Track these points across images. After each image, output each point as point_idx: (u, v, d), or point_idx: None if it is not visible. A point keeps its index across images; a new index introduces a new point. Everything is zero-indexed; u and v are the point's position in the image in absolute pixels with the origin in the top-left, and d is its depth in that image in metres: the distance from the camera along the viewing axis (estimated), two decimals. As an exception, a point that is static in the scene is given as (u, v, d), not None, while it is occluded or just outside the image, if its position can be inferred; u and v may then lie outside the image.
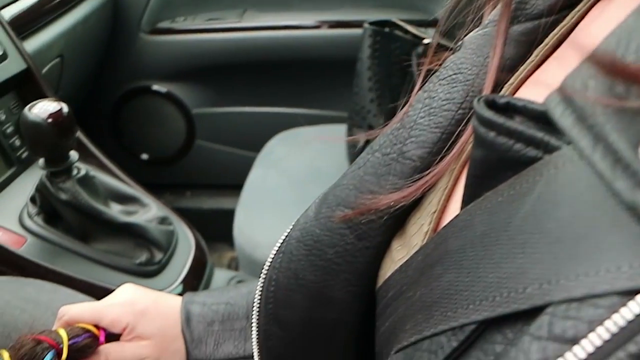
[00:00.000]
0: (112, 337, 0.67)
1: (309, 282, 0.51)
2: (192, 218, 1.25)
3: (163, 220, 1.05)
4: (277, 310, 0.54)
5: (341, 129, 1.59)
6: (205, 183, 1.91)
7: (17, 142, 1.06)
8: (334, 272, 0.50)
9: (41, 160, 0.94)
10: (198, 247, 1.10)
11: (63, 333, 0.62)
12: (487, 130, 0.32)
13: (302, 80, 1.76)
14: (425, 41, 1.42)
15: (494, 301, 0.28)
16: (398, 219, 0.47)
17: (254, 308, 0.56)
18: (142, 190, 1.13)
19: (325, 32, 1.73)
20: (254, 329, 0.57)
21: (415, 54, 1.43)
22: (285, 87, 1.77)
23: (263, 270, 0.56)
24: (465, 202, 0.37)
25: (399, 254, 0.46)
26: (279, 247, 0.55)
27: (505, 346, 0.27)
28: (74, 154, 0.96)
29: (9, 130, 1.04)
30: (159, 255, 1.00)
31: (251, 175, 1.45)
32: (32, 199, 0.99)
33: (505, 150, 0.31)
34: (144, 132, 1.87)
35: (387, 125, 0.49)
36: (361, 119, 1.44)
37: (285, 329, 0.54)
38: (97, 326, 0.66)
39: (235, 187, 1.69)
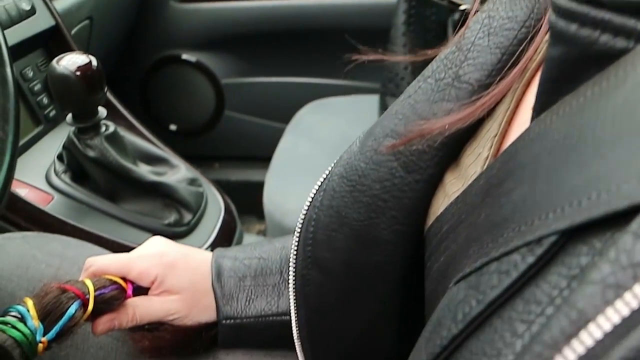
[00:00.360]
0: (140, 291, 0.64)
1: (352, 220, 0.48)
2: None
3: (192, 182, 1.02)
4: (317, 252, 0.50)
5: (373, 99, 1.55)
6: (234, 155, 1.89)
7: (45, 100, 1.03)
8: (380, 209, 0.46)
9: (69, 116, 0.92)
10: (227, 210, 1.08)
11: (89, 283, 0.60)
12: (567, 23, 0.28)
13: (334, 50, 1.72)
14: (462, 7, 1.37)
15: (581, 206, 0.24)
16: (451, 150, 0.43)
17: (292, 251, 0.53)
18: (171, 152, 1.10)
19: (358, 0, 1.69)
20: (291, 274, 0.54)
21: (451, 21, 1.38)
22: (316, 57, 1.73)
23: (302, 211, 0.52)
24: (538, 111, 0.33)
25: (453, 187, 0.42)
26: (320, 185, 0.52)
27: (593, 257, 0.23)
28: (102, 110, 0.93)
29: (37, 87, 1.02)
30: (188, 217, 0.97)
31: (282, 143, 1.42)
32: (59, 157, 0.96)
33: (589, 43, 0.27)
34: (173, 102, 1.85)
35: (439, 50, 0.45)
36: (394, 87, 1.40)
37: (326, 273, 0.51)
38: (124, 279, 0.63)
39: (264, 159, 1.65)
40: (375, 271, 0.48)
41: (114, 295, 0.61)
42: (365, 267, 0.48)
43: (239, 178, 1.83)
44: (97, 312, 0.60)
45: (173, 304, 0.63)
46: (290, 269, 0.54)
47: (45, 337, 0.54)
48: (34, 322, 0.54)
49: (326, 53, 1.71)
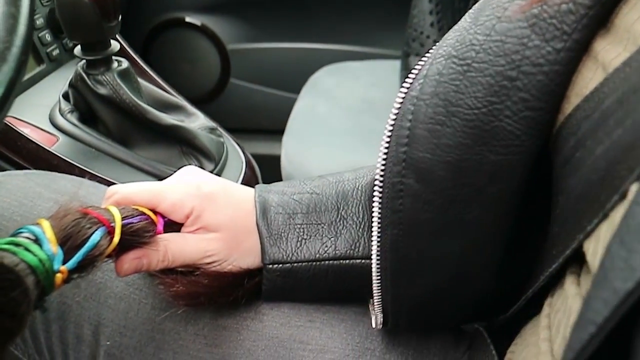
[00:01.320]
0: (171, 228, 0.54)
1: (465, 108, 0.38)
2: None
3: (212, 131, 0.92)
4: (415, 153, 0.40)
5: (393, 64, 1.46)
6: (239, 126, 1.77)
7: (48, 37, 0.93)
8: (505, 91, 0.36)
9: (77, 48, 0.82)
10: (249, 165, 0.97)
11: (115, 211, 0.49)
12: None
13: (350, 13, 1.62)
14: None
15: None
16: (605, 7, 0.34)
17: (380, 156, 0.43)
18: (186, 101, 0.99)
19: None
20: (377, 185, 0.44)
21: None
22: (330, 20, 1.63)
23: (394, 104, 0.42)
24: None
25: (609, 54, 0.33)
26: (417, 72, 0.42)
27: None
28: (115, 44, 0.83)
29: (39, 22, 0.91)
30: (208, 167, 0.87)
31: (298, 104, 1.32)
32: (65, 96, 0.86)
33: None
34: (175, 69, 1.73)
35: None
36: (419, 46, 1.31)
37: (425, 180, 0.40)
38: (154, 211, 0.53)
39: (273, 132, 1.55)
40: (491, 175, 0.38)
41: (143, 226, 0.51)
42: (478, 169, 0.38)
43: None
44: (124, 247, 0.50)
45: (211, 243, 0.53)
46: (377, 178, 0.43)
47: (65, 265, 0.44)
48: (52, 246, 0.43)
49: (342, 16, 1.62)
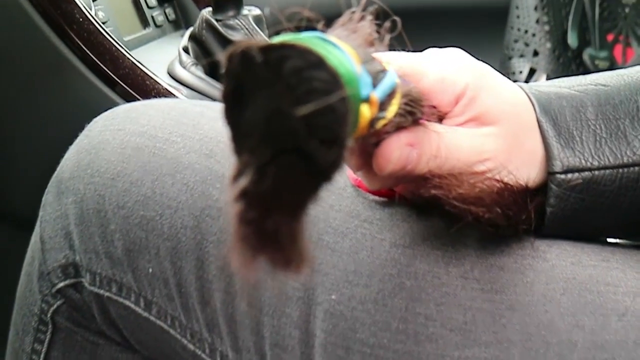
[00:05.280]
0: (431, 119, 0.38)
1: None
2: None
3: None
4: None
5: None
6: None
7: (154, 1, 0.81)
8: None
9: (205, -11, 0.69)
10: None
11: (389, 67, 0.34)
12: None
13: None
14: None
15: None
16: None
17: None
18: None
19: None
20: None
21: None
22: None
23: None
24: None
25: None
26: None
27: None
28: (246, -14, 0.70)
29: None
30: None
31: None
32: (185, 49, 0.72)
33: None
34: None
35: None
36: (524, 46, 1.19)
37: None
38: None
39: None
40: None
41: (419, 95, 0.35)
42: None
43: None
44: (395, 122, 0.34)
45: (487, 141, 0.37)
46: None
47: (375, 91, 0.29)
48: (356, 63, 0.27)
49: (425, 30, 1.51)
